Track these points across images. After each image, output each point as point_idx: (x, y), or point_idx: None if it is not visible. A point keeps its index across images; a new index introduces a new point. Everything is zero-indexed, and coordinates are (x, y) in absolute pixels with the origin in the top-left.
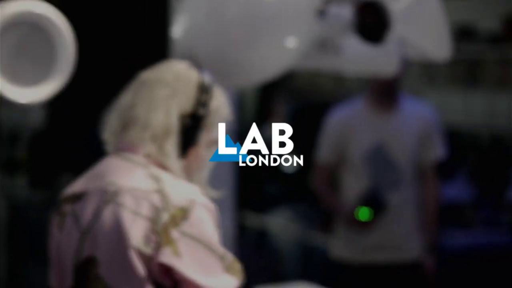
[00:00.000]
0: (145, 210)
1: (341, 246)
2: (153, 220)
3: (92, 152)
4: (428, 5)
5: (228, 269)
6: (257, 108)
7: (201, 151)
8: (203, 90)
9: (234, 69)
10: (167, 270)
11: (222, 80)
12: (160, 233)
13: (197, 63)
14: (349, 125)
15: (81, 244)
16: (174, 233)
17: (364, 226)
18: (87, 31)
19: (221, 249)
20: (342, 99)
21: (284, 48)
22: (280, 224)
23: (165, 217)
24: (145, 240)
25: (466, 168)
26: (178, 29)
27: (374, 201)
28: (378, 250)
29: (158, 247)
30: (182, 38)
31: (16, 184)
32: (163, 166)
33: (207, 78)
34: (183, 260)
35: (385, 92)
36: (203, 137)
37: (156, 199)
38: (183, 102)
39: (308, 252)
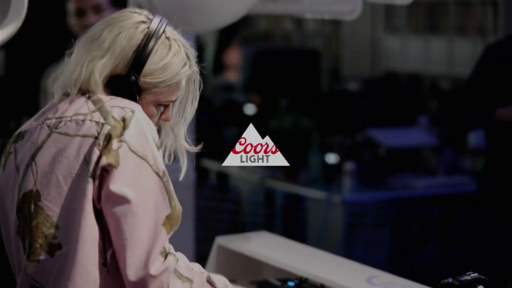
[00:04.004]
0: (86, 129)
1: None
2: (95, 136)
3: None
4: None
5: (166, 190)
6: (215, 53)
7: (147, 110)
8: (142, 51)
9: (191, 14)
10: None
11: (180, 25)
12: (102, 145)
13: (154, 8)
14: None
15: (22, 179)
16: (115, 143)
17: None
18: None
19: (161, 166)
20: (304, 43)
21: None
22: (240, 171)
23: (106, 128)
24: (88, 157)
25: (428, 114)
26: None
27: None
28: None
29: (99, 158)
30: None
31: None
32: None
33: (159, 32)
34: (119, 169)
35: None
36: (145, 97)
37: (96, 116)
38: (117, 62)
39: (269, 197)
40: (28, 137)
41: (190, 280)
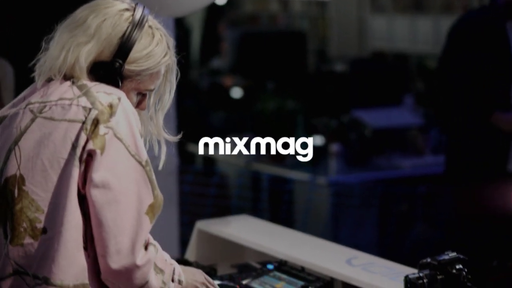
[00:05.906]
0: (73, 113)
1: None
2: (82, 120)
3: None
4: None
5: (149, 179)
6: (203, 36)
7: (128, 97)
8: (128, 39)
9: None
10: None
11: (157, 9)
12: (89, 130)
13: None
14: None
15: (4, 164)
16: (102, 129)
17: None
18: None
19: (143, 155)
20: (290, 24)
21: None
22: (227, 155)
23: (94, 113)
24: (76, 143)
25: (414, 93)
26: None
27: None
28: None
29: (86, 143)
30: None
31: None
32: None
33: (143, 20)
34: (103, 156)
35: None
36: (127, 85)
37: (83, 101)
38: (102, 48)
39: (256, 181)
40: (9, 122)
41: (162, 272)
